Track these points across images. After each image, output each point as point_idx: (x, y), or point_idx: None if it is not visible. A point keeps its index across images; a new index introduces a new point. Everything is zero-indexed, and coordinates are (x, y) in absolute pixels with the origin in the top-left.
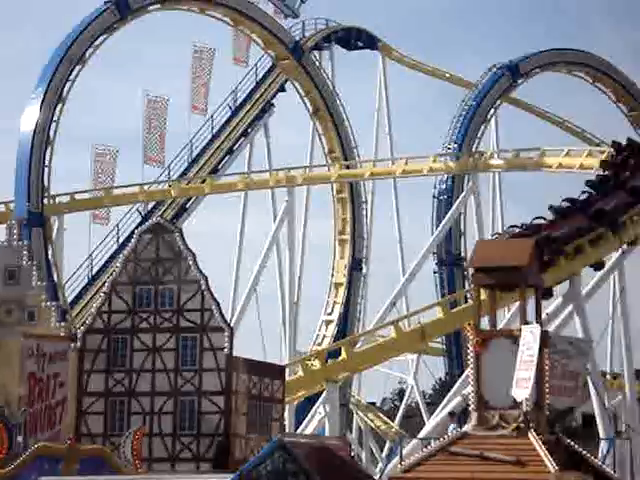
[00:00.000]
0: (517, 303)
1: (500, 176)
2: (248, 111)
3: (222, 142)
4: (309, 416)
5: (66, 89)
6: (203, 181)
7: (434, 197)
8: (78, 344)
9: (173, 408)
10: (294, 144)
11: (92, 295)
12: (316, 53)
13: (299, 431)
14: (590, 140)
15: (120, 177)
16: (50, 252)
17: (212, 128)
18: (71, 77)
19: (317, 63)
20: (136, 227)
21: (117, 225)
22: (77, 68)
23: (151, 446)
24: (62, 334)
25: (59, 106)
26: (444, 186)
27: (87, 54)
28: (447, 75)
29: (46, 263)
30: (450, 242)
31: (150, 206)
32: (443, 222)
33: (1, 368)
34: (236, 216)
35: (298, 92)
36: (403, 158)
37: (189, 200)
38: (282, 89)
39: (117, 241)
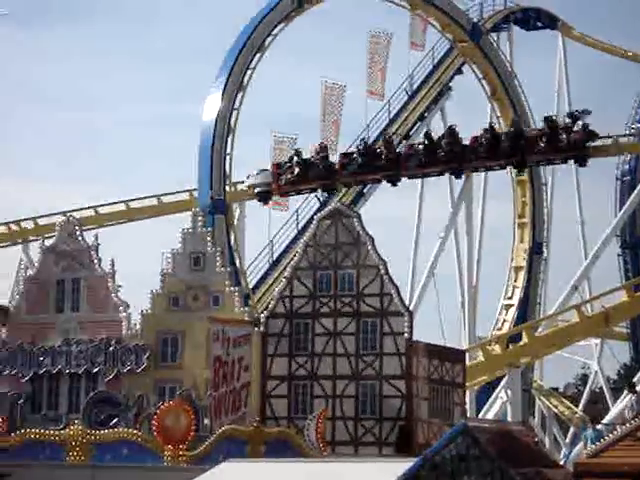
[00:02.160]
0: None
1: None
2: (425, 95)
3: (399, 127)
4: (490, 401)
5: (247, 77)
6: None
7: (617, 179)
8: (261, 328)
9: (355, 392)
10: (472, 127)
11: (273, 280)
12: (494, 35)
13: (480, 416)
14: None
15: None
16: (232, 238)
17: (389, 113)
18: (251, 65)
19: (495, 45)
20: (315, 213)
21: (296, 211)
22: (257, 56)
23: (334, 429)
24: (246, 318)
25: (240, 94)
26: (627, 167)
27: (266, 42)
28: (629, 53)
29: (229, 249)
30: (634, 224)
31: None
32: (627, 204)
33: (188, 352)
34: (413, 200)
35: (476, 74)
36: None
37: (366, 185)
38: (459, 72)
39: (297, 227)
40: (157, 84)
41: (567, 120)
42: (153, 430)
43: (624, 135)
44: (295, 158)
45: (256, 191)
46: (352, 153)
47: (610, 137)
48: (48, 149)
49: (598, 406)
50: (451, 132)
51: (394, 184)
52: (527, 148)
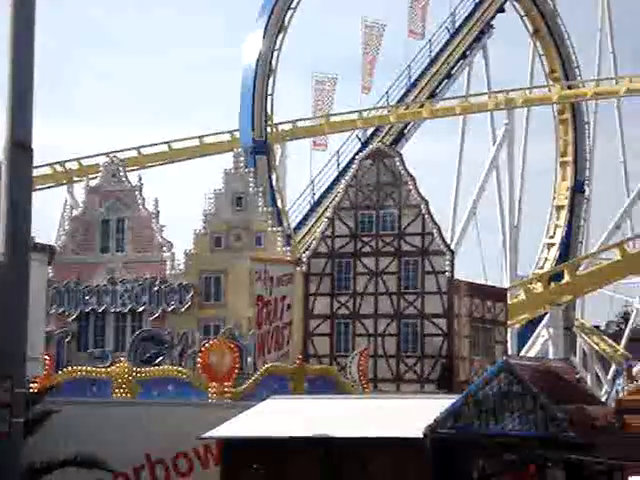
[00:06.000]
0: None
1: None
2: (467, 33)
3: (440, 66)
4: (532, 339)
5: (287, 18)
6: (421, 106)
7: None
8: (304, 268)
9: (396, 330)
10: (514, 66)
11: (315, 220)
12: None
13: (522, 354)
14: None
15: (339, 104)
16: (274, 179)
17: (430, 52)
18: (292, 5)
19: None
20: (356, 153)
21: (337, 151)
22: None
23: (376, 367)
24: (288, 258)
25: (281, 35)
26: None
27: None
28: None
29: (270, 190)
30: None
31: (369, 132)
32: None
33: (231, 291)
34: (455, 141)
35: (518, 12)
36: (627, 76)
37: (407, 126)
38: (501, 10)
39: (338, 167)
40: (202, 27)
41: None
42: (198, 367)
43: None
44: None
45: None
46: None
47: None
48: (102, 93)
49: None
50: None
51: None
52: None
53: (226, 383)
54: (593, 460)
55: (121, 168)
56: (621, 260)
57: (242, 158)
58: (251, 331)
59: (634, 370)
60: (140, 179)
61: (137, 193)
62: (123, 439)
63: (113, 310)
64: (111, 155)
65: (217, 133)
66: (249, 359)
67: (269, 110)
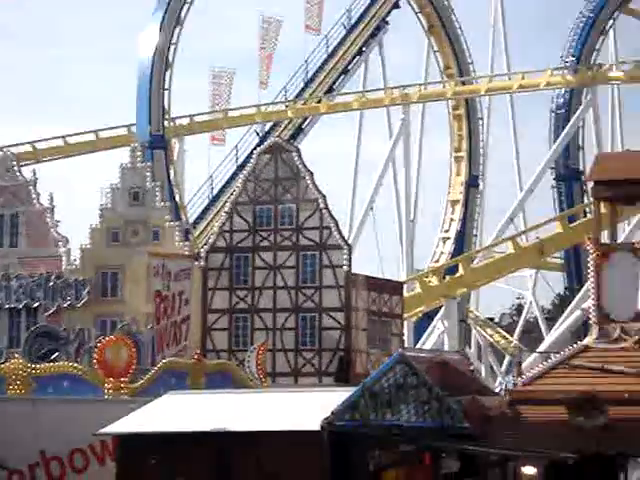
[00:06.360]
0: (638, 216)
1: (619, 89)
2: (363, 29)
3: (337, 61)
4: (428, 332)
5: (184, 12)
6: (319, 101)
7: (551, 111)
8: (202, 263)
9: (295, 324)
10: (409, 62)
11: (213, 215)
12: None
13: (418, 346)
14: None
15: (237, 99)
16: (172, 173)
17: (327, 47)
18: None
19: None
20: (254, 148)
21: (236, 146)
22: None
23: (274, 361)
24: (186, 253)
25: (177, 29)
26: (562, 100)
27: None
28: None
29: (168, 184)
30: (568, 156)
31: (267, 127)
32: (561, 136)
33: (129, 287)
34: (352, 135)
35: (412, 8)
36: (520, 73)
37: (305, 120)
38: (396, 6)
39: (236, 162)
40: (96, 21)
41: None
42: (94, 363)
43: (558, 68)
44: None
45: None
46: None
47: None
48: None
49: (533, 335)
50: None
51: None
52: None
53: (122, 379)
54: (487, 451)
55: (15, 162)
56: (514, 253)
57: (139, 152)
58: (149, 326)
59: (524, 363)
60: (34, 174)
61: (31, 188)
62: (18, 436)
63: (7, 306)
64: (5, 149)
65: (114, 127)
66: (146, 355)
67: (166, 104)
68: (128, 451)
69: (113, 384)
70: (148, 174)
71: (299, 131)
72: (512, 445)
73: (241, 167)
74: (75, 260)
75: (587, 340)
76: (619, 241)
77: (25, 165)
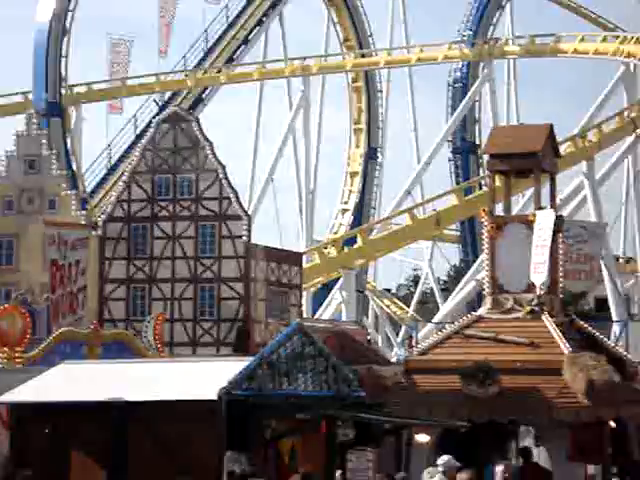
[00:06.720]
0: (532, 189)
1: (515, 63)
2: (263, 0)
3: (237, 31)
4: (326, 302)
5: None
6: (219, 71)
7: (449, 85)
8: (99, 232)
9: (193, 294)
10: (309, 33)
11: (112, 184)
12: None
13: (316, 317)
14: (605, 26)
15: (136, 67)
16: (69, 142)
17: (227, 17)
18: None
19: None
20: (153, 117)
21: (134, 115)
22: None
23: (172, 331)
24: (83, 222)
25: None
26: (459, 74)
27: None
28: None
29: (65, 153)
30: (465, 130)
31: (167, 97)
32: (458, 110)
33: (24, 256)
34: (252, 106)
35: None
36: (418, 46)
37: (205, 90)
38: None
39: (135, 131)
40: None
41: None
42: None
43: (455, 42)
44: None
45: None
46: None
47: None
48: None
49: (429, 306)
50: None
51: None
52: None
53: (17, 348)
54: (382, 419)
55: None
56: (411, 225)
57: (35, 120)
58: (44, 296)
59: (420, 333)
60: None
61: None
62: None
63: None
64: None
65: (9, 94)
66: (42, 324)
67: (63, 72)
68: (22, 420)
69: (7, 353)
70: (44, 142)
71: (199, 101)
72: (407, 414)
73: (140, 136)
74: None
75: (481, 310)
76: (513, 213)
77: None
